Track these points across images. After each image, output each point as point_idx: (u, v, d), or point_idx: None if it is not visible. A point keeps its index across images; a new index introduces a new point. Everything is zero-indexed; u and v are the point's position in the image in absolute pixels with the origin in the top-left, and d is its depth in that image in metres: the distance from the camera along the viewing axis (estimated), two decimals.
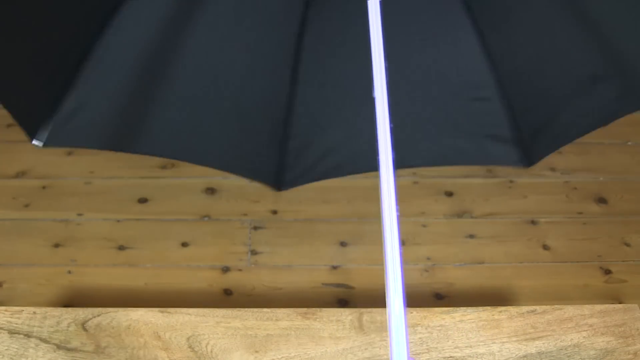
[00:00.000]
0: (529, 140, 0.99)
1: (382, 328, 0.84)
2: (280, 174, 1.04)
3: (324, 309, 0.88)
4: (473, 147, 1.02)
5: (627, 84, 0.87)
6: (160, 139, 0.93)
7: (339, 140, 1.02)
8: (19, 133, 0.87)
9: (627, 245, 1.35)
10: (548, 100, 0.95)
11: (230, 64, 0.91)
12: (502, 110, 0.97)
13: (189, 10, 0.85)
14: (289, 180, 1.06)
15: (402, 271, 0.57)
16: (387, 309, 0.57)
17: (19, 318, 0.81)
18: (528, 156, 1.00)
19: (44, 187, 1.37)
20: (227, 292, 1.22)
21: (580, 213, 1.40)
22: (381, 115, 0.65)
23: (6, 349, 0.78)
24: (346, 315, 0.85)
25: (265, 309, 0.85)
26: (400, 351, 0.53)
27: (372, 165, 1.00)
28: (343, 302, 1.21)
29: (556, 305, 0.86)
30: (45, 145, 0.86)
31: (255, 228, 1.33)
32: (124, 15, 0.82)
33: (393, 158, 0.64)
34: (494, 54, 0.92)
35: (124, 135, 0.92)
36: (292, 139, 1.00)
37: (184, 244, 1.29)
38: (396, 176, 1.42)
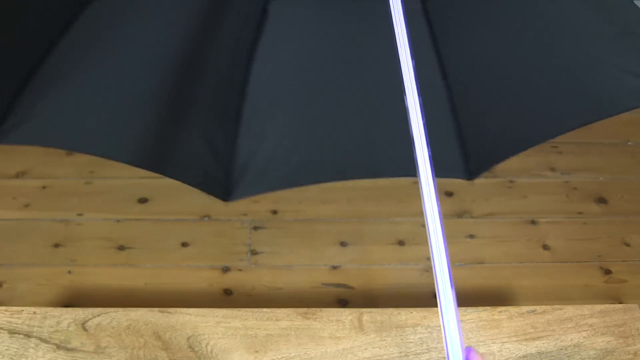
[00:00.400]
0: (474, 153, 0.97)
1: (382, 328, 0.84)
2: (228, 184, 0.97)
3: (324, 309, 0.88)
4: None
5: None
6: (98, 137, 0.87)
7: (292, 148, 0.96)
8: None
9: (627, 245, 1.35)
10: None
11: (177, 68, 0.86)
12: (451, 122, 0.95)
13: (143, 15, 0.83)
14: (238, 191, 0.98)
15: (449, 271, 0.57)
16: (439, 309, 0.57)
17: (19, 318, 0.81)
18: (472, 169, 0.99)
19: (44, 187, 1.37)
20: (227, 292, 1.22)
21: (580, 213, 1.40)
22: (414, 116, 0.64)
23: (6, 349, 0.78)
24: (346, 315, 0.85)
25: (265, 309, 0.85)
26: (456, 350, 0.54)
27: (332, 174, 0.97)
28: (343, 302, 1.21)
29: (556, 305, 0.85)
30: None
31: (255, 228, 1.33)
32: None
33: (430, 160, 0.63)
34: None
35: (62, 133, 0.89)
36: (241, 148, 0.93)
37: (184, 244, 1.29)
38: (401, 176, 1.40)
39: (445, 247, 0.59)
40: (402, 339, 0.81)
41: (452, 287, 0.57)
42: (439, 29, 0.87)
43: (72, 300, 1.19)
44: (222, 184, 0.94)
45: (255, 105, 0.89)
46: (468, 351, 0.55)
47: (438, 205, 0.60)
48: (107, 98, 0.85)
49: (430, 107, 0.92)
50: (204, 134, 0.90)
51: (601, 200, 1.43)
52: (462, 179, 0.95)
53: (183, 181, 0.92)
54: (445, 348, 0.54)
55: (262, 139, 0.92)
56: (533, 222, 1.37)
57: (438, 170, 0.94)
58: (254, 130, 0.91)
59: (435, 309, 0.89)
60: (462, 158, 0.95)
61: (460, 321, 0.55)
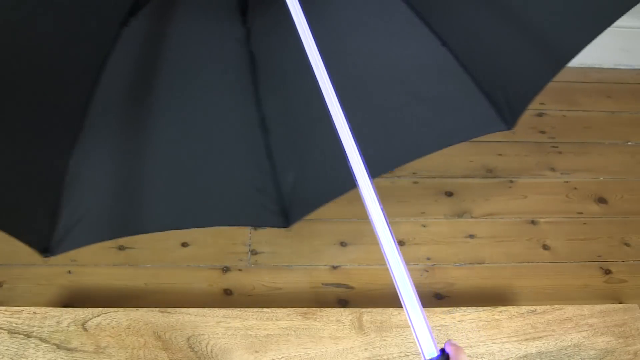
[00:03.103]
0: (503, 100, 0.96)
1: (382, 328, 0.84)
2: (284, 211, 0.97)
3: (324, 309, 0.88)
4: (451, 125, 0.99)
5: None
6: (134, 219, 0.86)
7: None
8: None
9: (627, 245, 1.35)
10: (507, 57, 0.93)
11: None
12: (469, 80, 0.94)
13: None
14: (296, 213, 0.98)
15: (406, 269, 0.58)
16: (405, 309, 0.57)
17: (19, 318, 0.81)
18: (507, 118, 0.98)
19: None
20: (227, 292, 1.22)
21: (580, 213, 1.40)
22: (341, 125, 0.64)
23: (6, 349, 0.78)
24: (346, 315, 0.85)
25: (265, 309, 0.85)
26: (428, 345, 0.54)
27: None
28: (343, 302, 1.21)
29: (556, 305, 0.85)
30: (54, 254, 0.82)
31: (256, 228, 1.33)
32: None
33: (365, 165, 0.64)
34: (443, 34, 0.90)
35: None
36: (283, 172, 0.93)
37: (184, 244, 1.29)
38: (396, 176, 1.43)
39: (395, 243, 0.60)
40: (402, 339, 0.81)
41: (410, 281, 0.58)
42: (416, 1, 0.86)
43: (72, 300, 1.19)
44: (277, 214, 0.96)
45: (276, 133, 0.90)
46: (446, 344, 0.56)
47: (376, 194, 0.61)
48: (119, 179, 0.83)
49: (443, 76, 0.92)
50: (240, 176, 0.91)
51: (601, 200, 1.43)
52: (503, 130, 0.97)
53: (236, 225, 1.01)
54: (418, 346, 0.55)
55: (296, 163, 0.94)
56: (533, 222, 1.37)
57: (476, 131, 0.93)
58: (286, 157, 0.92)
59: (435, 309, 0.89)
60: (495, 110, 0.95)
61: (426, 316, 0.56)
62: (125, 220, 0.88)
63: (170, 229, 0.97)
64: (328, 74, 0.66)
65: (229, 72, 0.86)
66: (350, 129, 0.66)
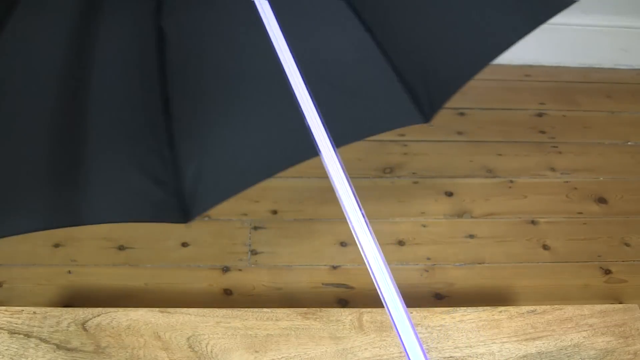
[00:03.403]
0: (424, 93, 0.92)
1: (382, 328, 0.84)
2: (183, 205, 0.92)
3: (324, 309, 0.88)
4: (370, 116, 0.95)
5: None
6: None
7: (231, 152, 0.90)
8: None
9: (627, 245, 1.35)
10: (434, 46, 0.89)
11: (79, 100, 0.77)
12: (390, 69, 0.90)
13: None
14: (197, 208, 0.93)
15: (386, 266, 0.56)
16: (387, 309, 0.56)
17: (19, 318, 0.81)
18: (426, 111, 0.94)
19: None
20: (227, 292, 1.22)
21: (580, 213, 1.40)
22: (303, 98, 0.63)
23: (6, 349, 0.78)
24: (346, 315, 0.85)
25: (265, 309, 0.85)
26: (415, 350, 0.53)
27: (283, 163, 0.92)
28: (343, 302, 1.21)
29: (556, 305, 0.85)
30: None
31: (255, 228, 1.33)
32: None
33: (330, 139, 0.61)
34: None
35: None
36: (186, 162, 0.87)
37: (184, 244, 1.29)
38: (396, 176, 1.43)
39: (375, 242, 0.58)
40: None
41: (392, 281, 0.57)
42: None
43: (72, 300, 1.19)
44: (176, 209, 0.90)
45: (180, 118, 0.84)
46: None
47: (348, 180, 0.59)
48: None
49: (363, 64, 0.89)
50: (136, 166, 0.84)
51: (601, 200, 1.43)
52: (418, 123, 0.92)
53: (129, 221, 0.88)
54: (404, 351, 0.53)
55: (200, 152, 0.87)
56: (533, 222, 1.37)
57: (394, 122, 0.91)
58: (189, 146, 0.86)
59: (435, 309, 0.89)
60: (412, 102, 0.92)
61: (412, 321, 0.55)
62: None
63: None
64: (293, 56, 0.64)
65: (132, 50, 0.79)
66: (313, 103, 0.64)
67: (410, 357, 0.53)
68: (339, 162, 0.62)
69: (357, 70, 0.91)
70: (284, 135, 0.90)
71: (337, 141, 0.92)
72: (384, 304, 0.55)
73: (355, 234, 0.58)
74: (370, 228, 0.56)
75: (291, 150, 0.92)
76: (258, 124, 0.89)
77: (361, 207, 0.57)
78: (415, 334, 0.53)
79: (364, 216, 0.59)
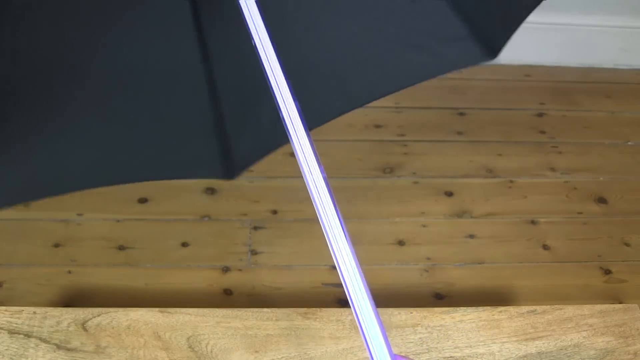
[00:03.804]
0: (485, 28, 0.85)
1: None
2: (226, 161, 0.90)
3: (324, 309, 0.87)
4: (424, 57, 0.87)
5: None
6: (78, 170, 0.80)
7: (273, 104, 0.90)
8: None
9: (627, 245, 1.35)
10: None
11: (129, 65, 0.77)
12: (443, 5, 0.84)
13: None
14: (238, 164, 0.91)
15: (355, 260, 0.54)
16: (352, 307, 0.53)
17: (19, 318, 0.81)
18: (490, 47, 0.91)
19: None
20: (227, 292, 1.22)
21: (580, 213, 1.40)
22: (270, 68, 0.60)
23: (6, 349, 0.78)
24: (346, 315, 0.85)
25: (265, 309, 0.85)
26: (381, 352, 0.50)
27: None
28: (343, 302, 1.21)
29: (556, 305, 0.85)
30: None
31: (255, 228, 1.33)
32: None
33: (300, 115, 0.58)
34: None
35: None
36: (226, 117, 0.85)
37: (184, 244, 1.29)
38: (396, 176, 1.42)
39: (346, 236, 0.55)
40: (402, 339, 0.81)
41: (362, 278, 0.54)
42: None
43: (72, 300, 1.19)
44: (220, 165, 0.88)
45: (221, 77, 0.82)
46: (397, 357, 0.50)
47: (321, 170, 0.56)
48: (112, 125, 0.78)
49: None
50: (179, 123, 0.84)
51: (601, 200, 1.43)
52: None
53: (180, 178, 0.89)
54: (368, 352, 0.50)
55: (240, 106, 0.86)
56: (533, 222, 1.37)
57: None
58: (229, 101, 0.84)
59: (435, 309, 0.89)
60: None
61: (380, 319, 0.51)
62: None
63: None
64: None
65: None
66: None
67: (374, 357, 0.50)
68: (310, 143, 0.59)
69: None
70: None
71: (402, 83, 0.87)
72: (349, 301, 0.52)
73: (322, 220, 0.56)
74: (341, 216, 0.54)
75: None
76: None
77: (332, 194, 0.55)
78: (385, 337, 0.50)
79: (335, 206, 0.57)
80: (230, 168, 0.90)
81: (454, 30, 0.85)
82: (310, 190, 0.57)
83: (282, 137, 0.80)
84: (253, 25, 0.61)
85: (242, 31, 0.64)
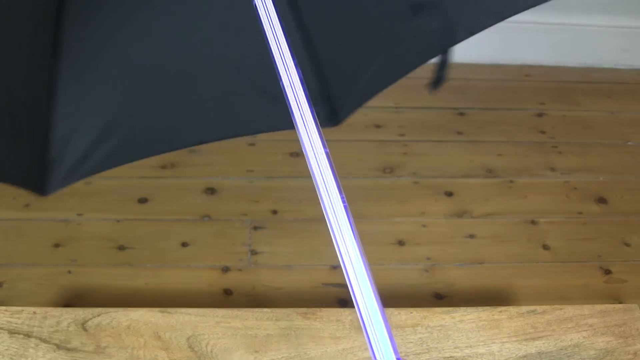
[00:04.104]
0: (337, 96, 0.87)
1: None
2: (43, 175, 0.84)
3: (324, 309, 0.87)
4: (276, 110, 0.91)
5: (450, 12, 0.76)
6: None
7: (112, 123, 0.83)
8: None
9: (627, 245, 1.35)
10: (358, 48, 0.83)
11: None
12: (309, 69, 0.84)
13: None
14: (56, 180, 0.85)
15: (364, 259, 0.52)
16: (357, 306, 0.52)
17: (19, 318, 0.81)
18: (335, 114, 0.88)
19: None
20: (227, 292, 1.22)
21: (580, 213, 1.40)
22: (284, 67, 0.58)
23: (6, 349, 0.78)
24: (346, 315, 0.85)
25: (265, 309, 0.85)
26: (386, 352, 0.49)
27: (153, 149, 0.90)
28: (343, 302, 1.21)
29: (556, 305, 0.85)
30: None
31: (255, 228, 1.33)
32: None
33: (313, 115, 0.57)
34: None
35: None
36: (54, 129, 0.79)
37: (184, 244, 1.29)
38: (396, 176, 1.43)
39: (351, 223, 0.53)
40: (402, 339, 0.81)
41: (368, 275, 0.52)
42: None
43: (72, 300, 1.19)
44: (38, 177, 0.83)
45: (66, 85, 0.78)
46: None
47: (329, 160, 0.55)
48: None
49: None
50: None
51: (601, 200, 1.43)
52: (327, 127, 0.86)
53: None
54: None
55: (77, 120, 0.81)
56: (533, 222, 1.37)
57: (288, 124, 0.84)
58: (67, 112, 0.79)
59: (435, 309, 0.89)
60: (323, 102, 0.87)
61: (387, 321, 0.50)
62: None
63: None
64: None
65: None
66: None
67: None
68: (321, 137, 0.57)
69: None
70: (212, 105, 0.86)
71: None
72: (353, 298, 0.51)
73: (328, 217, 0.54)
74: (349, 213, 0.53)
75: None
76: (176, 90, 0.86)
77: (342, 190, 0.54)
78: (391, 337, 0.49)
79: (343, 200, 0.55)
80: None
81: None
82: (316, 181, 0.56)
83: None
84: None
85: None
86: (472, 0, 0.79)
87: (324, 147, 0.56)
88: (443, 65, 0.81)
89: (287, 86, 0.57)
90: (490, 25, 0.76)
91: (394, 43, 0.83)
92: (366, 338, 0.48)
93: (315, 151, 0.54)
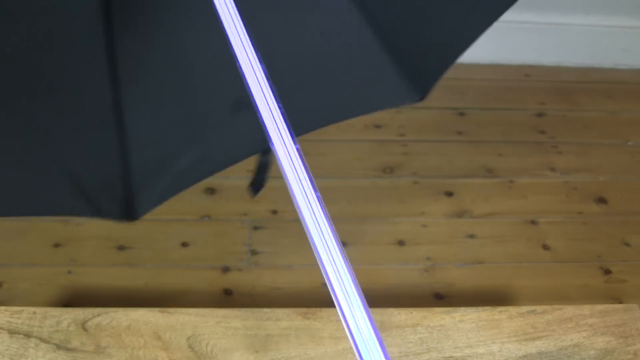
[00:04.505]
0: (415, 69, 0.87)
1: (382, 328, 0.84)
2: (130, 201, 0.86)
3: (324, 309, 0.87)
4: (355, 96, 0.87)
5: None
6: None
7: (187, 141, 0.85)
8: None
9: (627, 245, 1.35)
10: (425, 21, 0.82)
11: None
12: (379, 48, 0.83)
13: None
14: (145, 204, 0.88)
15: (346, 262, 0.51)
16: (339, 310, 0.51)
17: (19, 318, 0.81)
18: (419, 87, 0.90)
19: None
20: (227, 292, 1.22)
21: (580, 213, 1.40)
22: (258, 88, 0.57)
23: (6, 349, 0.78)
24: None
25: (265, 309, 0.85)
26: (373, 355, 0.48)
27: (226, 161, 0.90)
28: None
29: (556, 305, 0.85)
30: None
31: (255, 228, 1.33)
32: None
33: (290, 130, 0.56)
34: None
35: None
36: (135, 154, 0.80)
37: (184, 244, 1.29)
38: (396, 176, 1.43)
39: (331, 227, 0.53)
40: (402, 339, 0.81)
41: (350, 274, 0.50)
42: None
43: (72, 300, 1.19)
44: (120, 205, 0.86)
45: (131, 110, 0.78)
46: None
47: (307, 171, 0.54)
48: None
49: (349, 37, 0.83)
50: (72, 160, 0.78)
51: (601, 200, 1.43)
52: (414, 102, 0.88)
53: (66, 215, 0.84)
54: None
55: (149, 145, 0.82)
56: (533, 222, 1.37)
57: (386, 102, 0.83)
58: (139, 139, 0.79)
59: (435, 309, 0.89)
60: (406, 79, 0.87)
61: (373, 320, 0.48)
62: None
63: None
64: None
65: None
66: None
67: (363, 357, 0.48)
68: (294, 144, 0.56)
69: (338, 46, 0.83)
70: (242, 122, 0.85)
71: (323, 121, 0.86)
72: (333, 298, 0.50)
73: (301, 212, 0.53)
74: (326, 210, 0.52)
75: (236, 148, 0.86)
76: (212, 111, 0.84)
77: (316, 188, 0.53)
78: (379, 338, 0.48)
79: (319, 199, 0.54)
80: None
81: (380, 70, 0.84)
82: (287, 178, 0.55)
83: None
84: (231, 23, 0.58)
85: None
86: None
87: (295, 143, 0.55)
88: (263, 168, 0.84)
89: (253, 85, 0.57)
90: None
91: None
92: (352, 341, 0.47)
93: (286, 148, 0.53)
